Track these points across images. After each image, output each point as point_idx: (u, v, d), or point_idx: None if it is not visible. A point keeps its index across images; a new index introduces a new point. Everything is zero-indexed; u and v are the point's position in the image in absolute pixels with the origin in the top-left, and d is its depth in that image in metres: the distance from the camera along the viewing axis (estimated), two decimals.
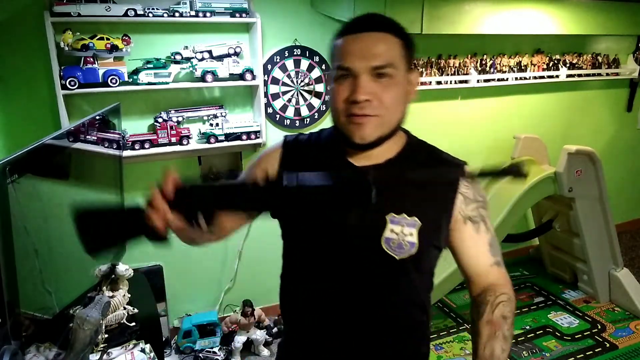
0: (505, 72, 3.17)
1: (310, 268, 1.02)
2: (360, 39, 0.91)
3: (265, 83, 2.60)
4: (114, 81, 2.16)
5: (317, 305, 1.03)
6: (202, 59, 2.34)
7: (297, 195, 0.78)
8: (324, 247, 0.99)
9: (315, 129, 2.84)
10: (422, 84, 2.92)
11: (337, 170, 0.98)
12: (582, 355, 2.66)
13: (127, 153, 2.24)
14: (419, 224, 0.95)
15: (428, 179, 0.96)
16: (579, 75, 3.41)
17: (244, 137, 2.48)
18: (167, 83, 2.26)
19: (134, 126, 2.38)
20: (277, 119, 2.71)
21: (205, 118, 2.49)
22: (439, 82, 2.97)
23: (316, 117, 2.80)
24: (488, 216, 1.02)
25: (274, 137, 2.67)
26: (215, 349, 2.64)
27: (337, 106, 0.93)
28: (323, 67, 2.72)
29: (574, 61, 3.42)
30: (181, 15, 2.24)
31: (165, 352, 2.56)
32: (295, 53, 2.64)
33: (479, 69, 3.09)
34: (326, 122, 2.85)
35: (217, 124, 2.45)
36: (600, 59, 3.52)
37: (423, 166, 1.00)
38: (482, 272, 1.00)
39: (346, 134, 0.94)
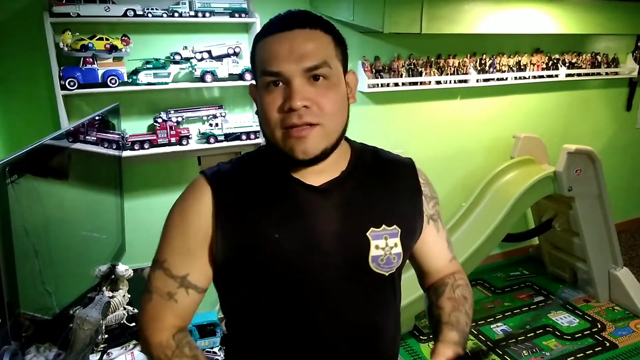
0: (504, 71, 3.17)
1: (289, 315, 0.86)
2: (286, 38, 0.79)
3: None
4: (113, 81, 2.16)
5: (305, 353, 0.88)
6: (202, 59, 2.34)
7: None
8: (305, 285, 0.85)
9: None
10: (421, 83, 2.93)
11: (292, 198, 0.85)
12: (582, 354, 2.66)
13: (126, 153, 2.24)
14: (399, 231, 0.88)
15: (390, 183, 0.92)
16: (579, 75, 3.42)
17: (244, 137, 2.48)
18: (166, 83, 2.26)
19: (133, 126, 2.38)
20: None
21: (205, 118, 2.49)
22: (438, 82, 2.97)
23: None
24: (440, 211, 1.00)
25: None
26: (215, 349, 2.63)
27: (270, 118, 0.79)
28: None
29: (573, 60, 3.42)
30: (180, 15, 2.24)
31: None
32: None
33: (479, 68, 3.09)
34: None
35: (216, 124, 2.45)
36: (599, 58, 3.52)
37: (378, 170, 0.92)
38: (441, 268, 1.02)
39: (285, 151, 0.80)
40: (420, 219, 0.94)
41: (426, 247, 0.98)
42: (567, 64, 3.37)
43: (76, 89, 2.09)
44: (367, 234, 0.85)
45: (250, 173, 0.88)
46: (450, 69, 3.02)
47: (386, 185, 0.91)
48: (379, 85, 2.82)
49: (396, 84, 2.87)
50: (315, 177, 0.85)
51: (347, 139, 0.93)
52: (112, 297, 1.80)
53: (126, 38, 2.19)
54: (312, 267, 0.84)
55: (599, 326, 2.91)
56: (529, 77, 3.25)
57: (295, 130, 0.78)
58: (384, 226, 0.86)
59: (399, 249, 0.87)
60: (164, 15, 2.22)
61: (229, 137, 2.45)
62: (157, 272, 0.87)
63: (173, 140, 2.36)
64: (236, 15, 2.36)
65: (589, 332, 2.86)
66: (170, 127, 2.35)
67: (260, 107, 0.82)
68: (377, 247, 0.85)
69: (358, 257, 0.85)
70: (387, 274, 0.88)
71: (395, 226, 0.87)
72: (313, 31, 0.80)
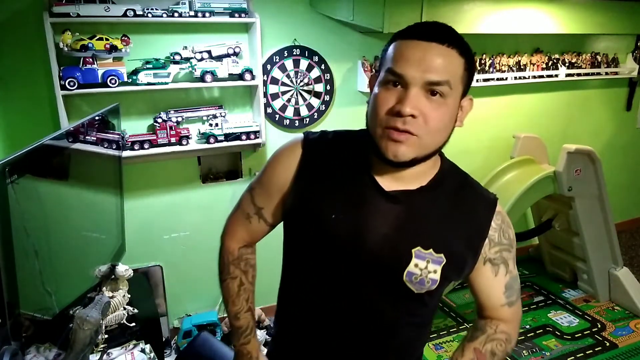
0: (504, 71, 3.17)
1: (319, 285, 0.96)
2: (421, 47, 0.81)
3: (265, 83, 2.60)
4: (113, 81, 2.16)
5: (320, 325, 0.98)
6: (202, 59, 2.34)
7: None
8: (339, 268, 0.93)
9: (314, 129, 2.84)
10: None
11: (361, 191, 0.91)
12: (582, 354, 2.66)
13: (126, 153, 2.24)
14: (444, 261, 0.90)
15: (460, 214, 0.93)
16: (578, 75, 3.41)
17: (244, 137, 2.48)
18: (166, 83, 2.26)
19: (133, 126, 2.38)
20: (277, 119, 2.71)
21: (205, 118, 2.49)
22: None
23: (315, 117, 2.80)
24: (512, 258, 0.99)
25: (273, 137, 2.67)
26: None
27: (377, 115, 0.84)
28: (322, 67, 2.72)
29: (573, 60, 3.42)
30: (180, 15, 2.24)
31: (165, 352, 2.56)
32: (294, 53, 2.64)
33: (478, 68, 3.09)
34: (326, 123, 2.85)
35: (216, 124, 2.45)
36: (599, 58, 3.52)
37: (456, 197, 0.94)
38: (491, 308, 1.03)
39: (379, 147, 0.86)
40: (473, 259, 0.95)
41: (480, 285, 1.01)
42: (567, 64, 3.36)
43: (76, 89, 2.09)
44: (413, 250, 0.89)
45: (341, 153, 0.95)
46: None
47: (454, 215, 0.93)
48: None
49: None
50: (393, 182, 0.91)
51: (442, 156, 0.97)
52: (112, 297, 1.80)
53: (126, 38, 2.19)
54: (351, 258, 0.90)
55: (599, 326, 2.91)
56: (528, 77, 3.25)
57: (394, 133, 0.82)
58: (431, 250, 0.89)
59: (436, 276, 0.90)
60: (164, 15, 2.22)
61: (228, 137, 2.45)
62: (246, 194, 1.06)
63: (173, 140, 2.36)
64: (236, 15, 2.36)
65: (589, 332, 2.86)
66: (170, 127, 2.35)
67: (372, 99, 0.87)
68: (416, 265, 0.89)
69: (395, 266, 0.90)
70: (415, 292, 0.91)
71: (442, 255, 0.90)
72: (449, 49, 0.83)
